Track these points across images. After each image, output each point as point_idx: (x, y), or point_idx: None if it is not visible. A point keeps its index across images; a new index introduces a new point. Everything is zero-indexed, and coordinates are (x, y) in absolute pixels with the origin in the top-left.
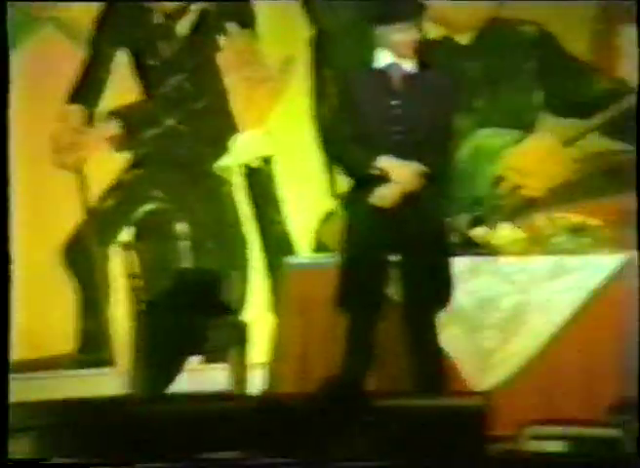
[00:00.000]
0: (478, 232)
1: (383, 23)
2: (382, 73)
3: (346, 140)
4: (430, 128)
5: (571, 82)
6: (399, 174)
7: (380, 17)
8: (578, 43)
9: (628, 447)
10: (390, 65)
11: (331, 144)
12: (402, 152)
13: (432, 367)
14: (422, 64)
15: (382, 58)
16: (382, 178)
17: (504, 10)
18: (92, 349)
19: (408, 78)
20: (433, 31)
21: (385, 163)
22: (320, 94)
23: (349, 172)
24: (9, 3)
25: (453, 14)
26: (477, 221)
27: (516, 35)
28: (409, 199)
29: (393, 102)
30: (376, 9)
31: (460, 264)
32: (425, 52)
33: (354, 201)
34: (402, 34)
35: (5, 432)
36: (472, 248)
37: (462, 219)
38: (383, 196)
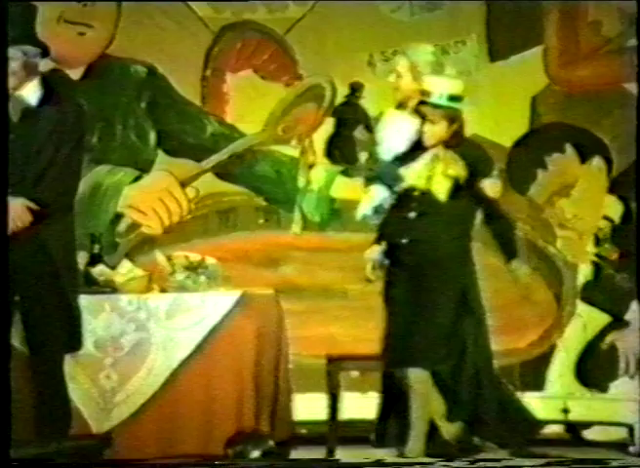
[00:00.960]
0: (97, 270)
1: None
2: (5, 105)
3: None
4: (48, 163)
5: (181, 124)
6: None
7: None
8: (188, 86)
9: None
10: (12, 97)
11: None
12: (22, 188)
13: (58, 412)
14: (46, 97)
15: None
16: None
17: (115, 48)
18: None
19: (27, 111)
20: (42, 64)
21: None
22: None
23: None
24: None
25: (65, 50)
26: (96, 259)
27: (127, 74)
28: (24, 235)
29: (11, 136)
30: None
31: (80, 303)
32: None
33: None
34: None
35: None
36: (92, 286)
37: (81, 257)
38: None
